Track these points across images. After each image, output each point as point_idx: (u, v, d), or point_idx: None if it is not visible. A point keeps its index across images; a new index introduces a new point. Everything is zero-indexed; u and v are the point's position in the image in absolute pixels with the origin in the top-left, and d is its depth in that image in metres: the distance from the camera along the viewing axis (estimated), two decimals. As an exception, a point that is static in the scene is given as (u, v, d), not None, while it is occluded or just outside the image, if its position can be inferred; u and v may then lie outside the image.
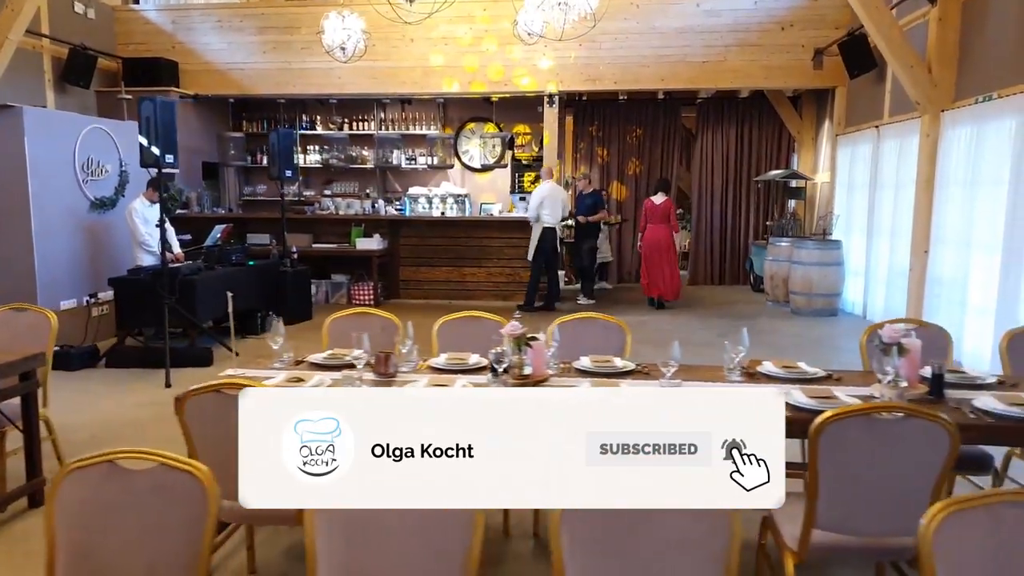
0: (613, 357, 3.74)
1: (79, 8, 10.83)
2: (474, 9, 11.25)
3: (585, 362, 3.64)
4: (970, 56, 7.60)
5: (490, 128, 13.14)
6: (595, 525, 1.96)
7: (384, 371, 3.45)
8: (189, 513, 1.93)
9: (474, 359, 3.68)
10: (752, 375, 3.48)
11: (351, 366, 3.52)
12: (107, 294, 8.28)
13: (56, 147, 7.60)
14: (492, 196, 13.10)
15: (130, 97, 10.92)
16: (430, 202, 12.36)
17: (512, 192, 13.01)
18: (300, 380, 3.30)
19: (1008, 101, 6.62)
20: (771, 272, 10.77)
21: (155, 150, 6.61)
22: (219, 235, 8.43)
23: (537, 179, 13.06)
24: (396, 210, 12.19)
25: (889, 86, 9.39)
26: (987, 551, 1.80)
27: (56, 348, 6.91)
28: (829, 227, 11.01)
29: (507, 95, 11.87)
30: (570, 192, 12.54)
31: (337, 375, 3.40)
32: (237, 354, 7.64)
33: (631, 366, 3.62)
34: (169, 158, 6.73)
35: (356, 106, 13.10)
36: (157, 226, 7.04)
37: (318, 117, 13.27)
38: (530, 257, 10.48)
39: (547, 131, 11.58)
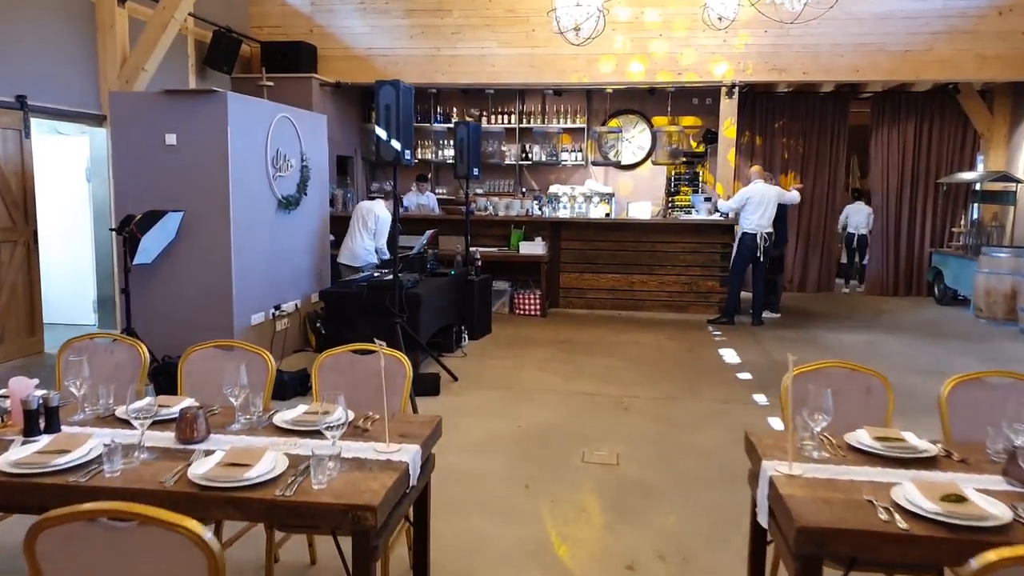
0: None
1: (220, -12, 9.88)
2: (647, -5, 10.19)
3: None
4: None
5: (643, 122, 12.09)
6: None
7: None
8: None
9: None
10: None
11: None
12: (289, 306, 7.29)
13: (252, 138, 6.54)
14: (639, 195, 12.03)
15: (271, 84, 9.94)
16: (573, 201, 11.29)
17: (669, 193, 11.95)
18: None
19: None
20: (987, 287, 9.61)
21: (395, 144, 5.56)
22: (425, 241, 7.38)
23: (695, 178, 12.05)
24: (538, 209, 11.11)
25: None
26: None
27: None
28: (1047, 236, 9.88)
29: (685, 85, 10.74)
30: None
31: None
32: (456, 379, 6.62)
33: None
34: (407, 154, 5.69)
35: (494, 97, 12.08)
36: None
37: (453, 109, 12.25)
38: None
39: (725, 125, 10.44)
